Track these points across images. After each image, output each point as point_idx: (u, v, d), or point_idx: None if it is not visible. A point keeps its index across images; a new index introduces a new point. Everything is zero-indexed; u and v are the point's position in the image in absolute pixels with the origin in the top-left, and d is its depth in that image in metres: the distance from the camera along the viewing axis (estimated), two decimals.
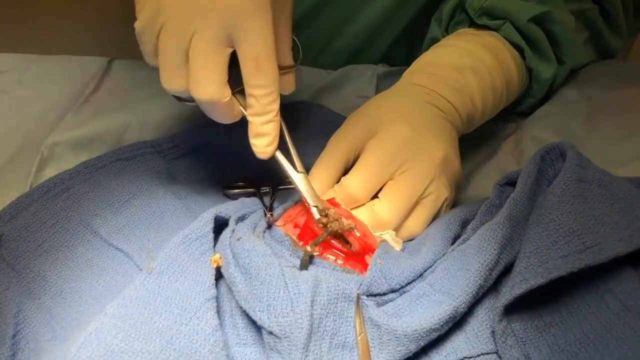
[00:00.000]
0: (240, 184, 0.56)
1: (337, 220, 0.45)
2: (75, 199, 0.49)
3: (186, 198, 0.53)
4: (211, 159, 0.59)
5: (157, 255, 0.41)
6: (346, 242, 0.45)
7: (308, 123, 0.63)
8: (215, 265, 0.41)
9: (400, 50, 0.78)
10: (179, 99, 0.48)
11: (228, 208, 0.47)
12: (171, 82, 0.44)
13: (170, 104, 0.65)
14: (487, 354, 0.39)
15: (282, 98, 0.48)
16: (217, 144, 0.60)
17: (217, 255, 0.42)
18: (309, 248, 0.43)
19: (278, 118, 0.45)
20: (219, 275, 0.42)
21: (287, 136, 0.48)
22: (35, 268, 0.44)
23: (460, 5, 0.63)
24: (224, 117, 0.46)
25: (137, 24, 0.44)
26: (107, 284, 0.44)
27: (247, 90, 0.44)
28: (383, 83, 0.72)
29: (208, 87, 0.43)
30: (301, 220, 0.47)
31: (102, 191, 0.50)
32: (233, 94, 0.45)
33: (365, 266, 0.44)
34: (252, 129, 0.45)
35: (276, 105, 0.44)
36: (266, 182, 0.56)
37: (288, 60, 0.48)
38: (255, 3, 0.41)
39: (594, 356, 0.36)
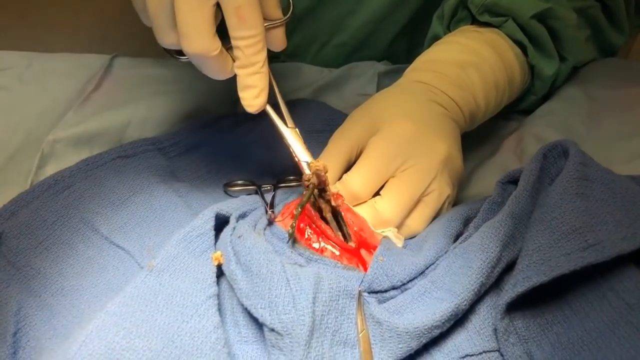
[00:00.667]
0: (241, 181, 0.56)
1: (316, 173, 0.45)
2: (76, 196, 0.49)
3: (187, 195, 0.53)
4: (212, 157, 0.59)
5: (158, 253, 0.41)
6: (338, 222, 0.45)
7: (310, 121, 0.63)
8: (216, 263, 0.41)
9: (402, 45, 0.78)
10: (173, 56, 0.48)
11: (229, 205, 0.47)
12: (163, 38, 0.44)
13: (171, 101, 0.65)
14: (489, 351, 0.39)
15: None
16: (218, 142, 0.60)
17: (218, 253, 0.42)
18: (295, 212, 0.44)
19: (265, 70, 0.45)
20: (220, 273, 0.42)
21: (277, 92, 0.48)
22: (35, 265, 0.44)
23: (462, 3, 0.63)
24: (216, 72, 0.45)
25: None
26: (108, 282, 0.44)
27: (233, 42, 0.44)
28: (384, 81, 0.72)
29: (196, 41, 0.42)
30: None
31: (102, 189, 0.50)
32: (227, 50, 0.45)
33: (361, 260, 0.44)
34: (239, 82, 0.45)
35: (262, 57, 0.44)
36: (267, 179, 0.56)
37: (277, 13, 0.47)
38: None
39: (596, 354, 0.36)
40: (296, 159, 0.47)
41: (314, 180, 0.45)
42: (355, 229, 0.46)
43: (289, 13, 0.49)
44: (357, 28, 0.75)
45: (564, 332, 0.38)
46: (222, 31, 0.44)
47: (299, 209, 0.44)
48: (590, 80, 0.66)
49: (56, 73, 0.66)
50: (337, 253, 0.44)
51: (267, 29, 0.46)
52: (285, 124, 0.48)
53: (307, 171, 0.46)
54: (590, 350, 0.36)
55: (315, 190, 0.46)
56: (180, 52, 0.45)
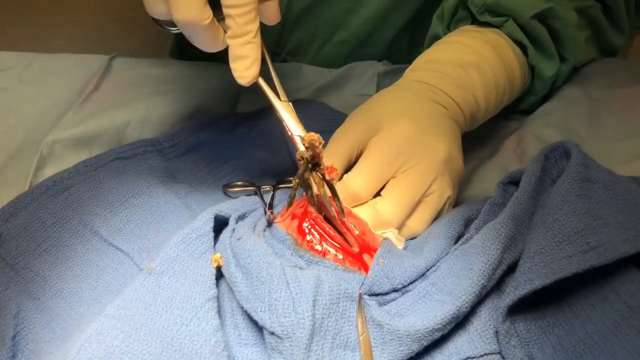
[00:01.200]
0: (241, 182, 0.56)
1: (310, 144, 0.43)
2: (75, 198, 0.49)
3: (186, 197, 0.53)
4: (211, 158, 0.59)
5: (157, 255, 0.41)
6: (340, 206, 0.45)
7: (309, 121, 0.62)
8: (215, 265, 0.41)
9: (402, 44, 0.78)
10: (162, 26, 0.47)
11: (228, 207, 0.47)
12: (153, 7, 0.43)
13: (171, 101, 0.65)
14: (491, 354, 0.39)
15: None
16: (217, 143, 0.60)
17: (218, 255, 0.42)
18: (294, 182, 0.43)
19: (257, 40, 0.44)
20: (219, 274, 0.42)
21: (270, 64, 0.47)
22: (34, 268, 0.44)
23: (462, 2, 0.63)
24: (207, 43, 0.44)
25: None
26: (107, 284, 0.44)
27: (225, 11, 0.42)
28: (384, 81, 0.72)
29: (187, 9, 0.41)
30: (299, 212, 0.47)
31: (101, 190, 0.50)
32: (219, 21, 0.44)
33: (363, 264, 0.44)
34: (230, 53, 0.44)
35: (254, 26, 0.43)
36: (267, 180, 0.56)
37: None
38: None
39: (598, 357, 0.35)
40: (289, 133, 0.46)
41: (308, 154, 0.44)
42: (356, 232, 0.46)
43: None
44: (357, 26, 0.75)
45: (566, 334, 0.37)
46: (213, 2, 0.43)
47: (296, 180, 0.43)
48: (590, 80, 0.65)
49: (56, 73, 0.66)
50: (340, 256, 0.44)
51: (261, 1, 0.45)
52: (278, 97, 0.47)
53: (300, 146, 0.45)
54: (592, 353, 0.36)
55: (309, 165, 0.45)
56: (170, 24, 0.44)
